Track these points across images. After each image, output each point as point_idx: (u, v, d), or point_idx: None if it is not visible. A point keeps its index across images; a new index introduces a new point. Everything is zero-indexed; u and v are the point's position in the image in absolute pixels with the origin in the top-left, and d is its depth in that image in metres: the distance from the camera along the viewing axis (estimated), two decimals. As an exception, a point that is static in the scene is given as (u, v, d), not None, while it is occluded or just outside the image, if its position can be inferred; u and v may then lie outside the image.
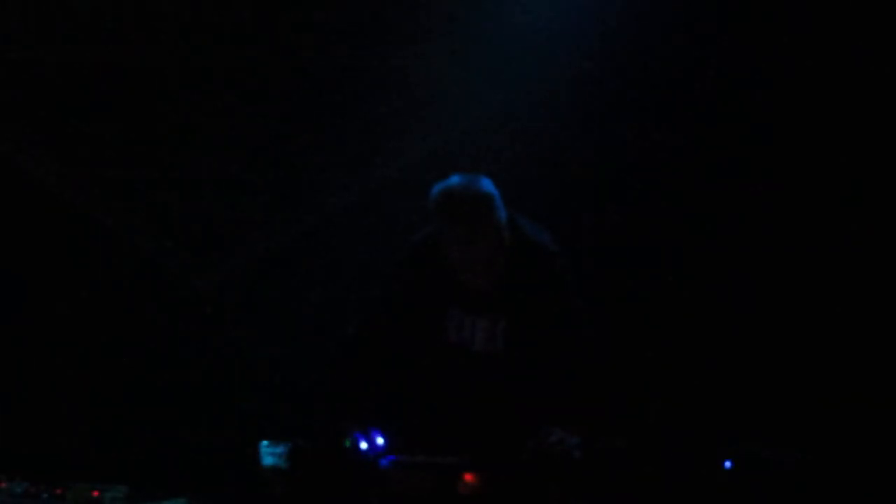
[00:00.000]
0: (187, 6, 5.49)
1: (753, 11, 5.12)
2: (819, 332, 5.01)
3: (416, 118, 5.42)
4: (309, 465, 3.80)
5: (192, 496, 4.43)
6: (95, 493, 4.26)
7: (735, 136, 5.16)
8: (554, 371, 4.08)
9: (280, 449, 3.94)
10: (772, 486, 3.71)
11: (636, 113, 5.24)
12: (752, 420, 4.86)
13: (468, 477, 3.68)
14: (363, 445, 3.82)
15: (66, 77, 5.55)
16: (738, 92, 5.16)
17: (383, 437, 3.91)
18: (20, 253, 5.59)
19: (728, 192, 5.16)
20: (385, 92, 5.43)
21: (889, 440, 4.75)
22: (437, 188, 4.11)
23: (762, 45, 5.13)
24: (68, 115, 5.56)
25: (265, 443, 4.05)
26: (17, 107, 5.59)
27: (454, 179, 4.11)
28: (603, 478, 3.70)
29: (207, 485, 4.93)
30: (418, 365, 4.24)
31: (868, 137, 5.04)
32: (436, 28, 5.38)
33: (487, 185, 4.08)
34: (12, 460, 4.64)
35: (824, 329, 5.00)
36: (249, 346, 5.50)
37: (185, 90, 5.52)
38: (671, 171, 5.20)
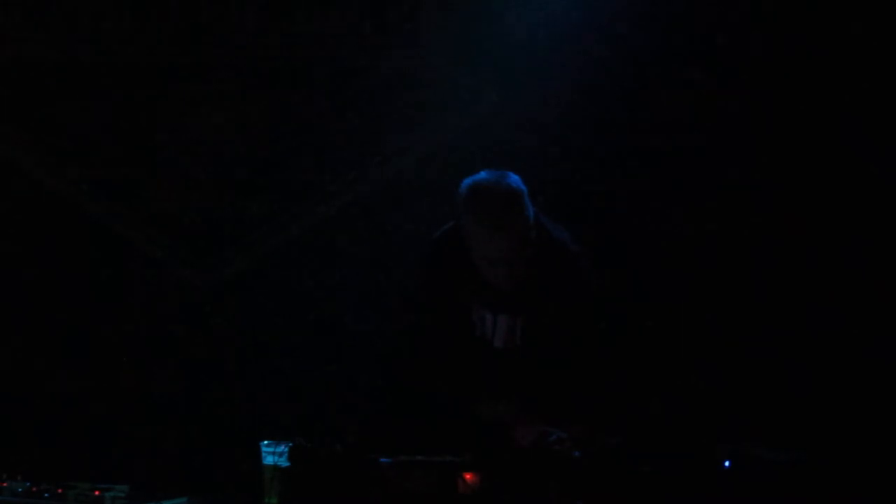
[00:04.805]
0: (188, 6, 5.49)
1: (755, 12, 5.13)
2: (818, 332, 5.01)
3: (416, 118, 5.43)
4: (309, 465, 3.80)
5: (192, 496, 4.42)
6: (96, 493, 4.25)
7: (738, 136, 5.17)
8: (568, 369, 4.11)
9: (280, 449, 3.94)
10: (771, 486, 3.71)
11: (639, 112, 5.25)
12: (752, 420, 4.86)
13: (468, 476, 3.68)
14: None
15: (65, 77, 5.55)
16: (741, 92, 5.16)
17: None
18: (20, 253, 5.59)
19: (730, 191, 5.16)
20: (385, 92, 5.43)
21: (889, 440, 4.75)
22: (466, 183, 4.12)
23: (765, 45, 5.14)
24: (68, 115, 5.56)
25: (265, 443, 4.06)
26: (16, 107, 5.59)
27: (483, 175, 4.11)
28: (603, 478, 3.70)
29: (207, 485, 4.93)
30: (450, 361, 4.27)
31: (868, 137, 5.04)
32: (436, 28, 5.39)
33: (516, 181, 4.09)
34: (12, 460, 4.64)
35: (824, 329, 5.01)
36: (250, 345, 5.50)
37: (185, 90, 5.53)
38: (674, 169, 5.21)
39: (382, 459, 3.74)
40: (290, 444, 3.84)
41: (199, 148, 5.55)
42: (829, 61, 5.07)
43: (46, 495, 4.26)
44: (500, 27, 5.30)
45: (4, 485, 4.31)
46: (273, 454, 4.01)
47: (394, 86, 5.43)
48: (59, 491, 4.28)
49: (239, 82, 5.51)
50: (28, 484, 4.31)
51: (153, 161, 5.57)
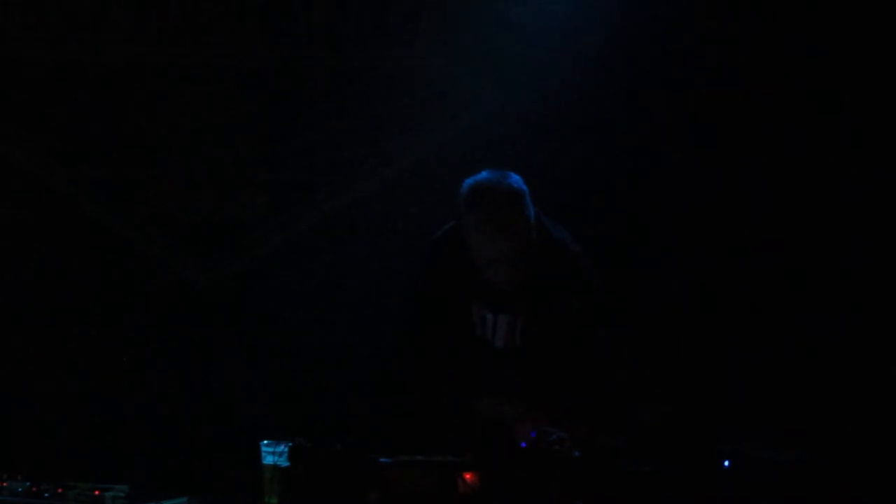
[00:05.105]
0: (188, 5, 5.49)
1: (756, 13, 5.13)
2: (818, 332, 5.01)
3: (417, 118, 5.43)
4: (309, 465, 3.80)
5: (192, 496, 4.42)
6: (96, 493, 4.25)
7: (738, 135, 5.17)
8: (568, 369, 4.11)
9: (280, 449, 3.94)
10: (771, 486, 3.71)
11: (639, 112, 5.25)
12: (752, 420, 4.86)
13: (468, 476, 3.68)
14: None
15: (65, 77, 5.55)
16: (741, 91, 5.16)
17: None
18: (20, 253, 5.59)
19: (730, 191, 5.16)
20: (385, 92, 5.43)
21: (889, 440, 4.75)
22: (467, 183, 4.12)
23: (766, 45, 5.14)
24: (68, 115, 5.56)
25: (265, 443, 4.05)
26: (16, 107, 5.59)
27: (484, 175, 4.11)
28: (603, 478, 3.70)
29: (207, 485, 4.93)
30: (451, 360, 4.27)
31: (867, 137, 5.04)
32: (436, 28, 5.39)
33: (517, 181, 4.09)
34: (12, 460, 4.64)
35: (823, 329, 5.01)
36: (250, 345, 5.50)
37: (184, 90, 5.53)
38: (673, 169, 5.21)
39: (382, 459, 3.74)
40: (290, 444, 3.84)
41: (199, 148, 5.55)
42: (829, 61, 5.07)
43: (46, 495, 4.26)
44: (500, 27, 5.30)
45: (4, 485, 4.31)
46: (273, 454, 4.01)
47: (394, 86, 5.43)
48: (59, 491, 4.27)
49: (239, 82, 5.52)
50: (28, 484, 4.31)
51: (153, 161, 5.57)
